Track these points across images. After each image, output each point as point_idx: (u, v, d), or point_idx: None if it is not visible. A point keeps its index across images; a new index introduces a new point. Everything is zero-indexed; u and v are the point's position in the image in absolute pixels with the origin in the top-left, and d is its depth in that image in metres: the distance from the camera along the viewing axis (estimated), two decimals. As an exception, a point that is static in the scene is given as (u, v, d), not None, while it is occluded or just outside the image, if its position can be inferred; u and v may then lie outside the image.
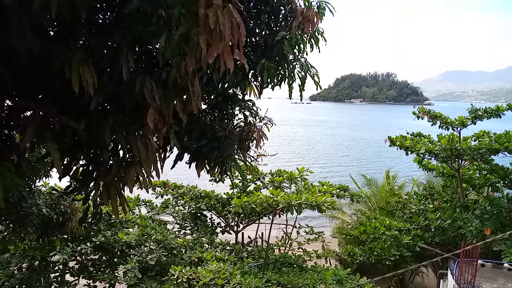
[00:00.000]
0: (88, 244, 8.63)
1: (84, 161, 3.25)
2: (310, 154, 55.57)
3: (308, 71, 4.75)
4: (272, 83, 4.41)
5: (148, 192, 11.10)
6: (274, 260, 8.40)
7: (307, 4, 4.38)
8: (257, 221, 11.13)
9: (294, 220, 10.60)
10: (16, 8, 2.27)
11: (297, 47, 4.49)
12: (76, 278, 9.12)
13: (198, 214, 11.24)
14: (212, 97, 4.21)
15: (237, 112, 4.56)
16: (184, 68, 2.87)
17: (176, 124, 3.42)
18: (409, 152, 11.21)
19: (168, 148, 3.94)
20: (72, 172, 3.20)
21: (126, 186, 3.06)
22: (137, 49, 3.32)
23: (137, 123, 2.99)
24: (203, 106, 4.25)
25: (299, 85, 4.71)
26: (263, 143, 4.43)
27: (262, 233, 11.72)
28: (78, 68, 2.46)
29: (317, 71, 4.87)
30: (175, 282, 6.96)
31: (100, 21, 3.09)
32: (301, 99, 5.09)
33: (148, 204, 11.53)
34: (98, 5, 2.91)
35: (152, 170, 3.24)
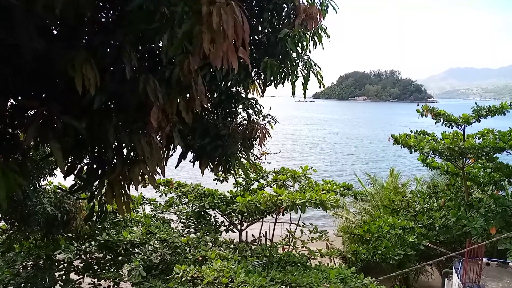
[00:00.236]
0: (93, 242, 8.65)
1: (89, 160, 3.26)
2: (314, 153, 55.50)
3: (312, 69, 4.73)
4: (275, 81, 4.40)
5: (156, 188, 11.18)
6: (278, 259, 8.39)
7: (310, 1, 4.36)
8: (261, 220, 11.12)
9: (298, 218, 10.59)
10: (22, 7, 2.27)
11: (300, 45, 4.47)
12: (80, 276, 9.15)
13: (202, 213, 11.24)
14: (215, 95, 4.20)
15: (240, 110, 4.55)
16: (187, 67, 2.86)
17: (180, 123, 3.42)
18: (413, 151, 11.16)
19: (172, 147, 3.94)
20: (76, 171, 3.21)
21: (131, 184, 3.08)
22: (140, 47, 3.32)
23: (141, 121, 2.98)
24: (206, 105, 4.24)
25: (302, 83, 4.69)
26: (267, 141, 4.43)
27: (266, 232, 11.73)
28: (81, 68, 2.46)
29: (320, 69, 4.84)
30: (179, 281, 6.97)
31: (103, 20, 3.09)
32: (304, 97, 5.07)
33: (152, 202, 11.56)
34: (101, 4, 2.90)
35: (156, 168, 3.25)
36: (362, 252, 11.13)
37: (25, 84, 2.73)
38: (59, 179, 8.27)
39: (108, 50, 2.81)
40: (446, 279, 9.43)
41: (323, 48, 4.84)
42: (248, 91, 4.67)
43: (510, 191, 11.54)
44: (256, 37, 4.33)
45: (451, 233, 10.88)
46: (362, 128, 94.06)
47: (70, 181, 3.38)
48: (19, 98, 2.79)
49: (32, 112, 2.60)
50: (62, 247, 8.29)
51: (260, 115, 4.59)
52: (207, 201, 10.87)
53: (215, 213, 11.57)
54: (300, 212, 7.55)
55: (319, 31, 4.68)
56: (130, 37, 2.94)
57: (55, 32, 2.85)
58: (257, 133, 4.22)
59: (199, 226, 11.00)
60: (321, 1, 4.53)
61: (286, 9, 4.20)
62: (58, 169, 2.97)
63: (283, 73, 4.42)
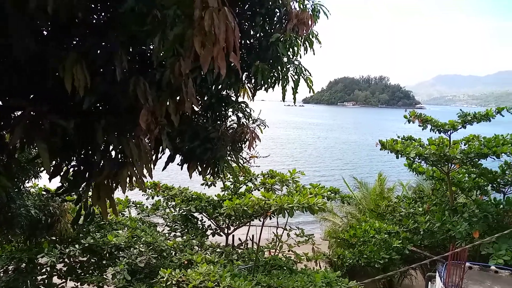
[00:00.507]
0: (77, 246, 8.53)
1: (76, 161, 3.22)
2: (303, 157, 55.71)
3: (302, 74, 4.77)
4: (266, 85, 4.41)
5: (144, 191, 11.06)
6: (264, 263, 8.38)
7: (302, 6, 4.40)
8: (248, 224, 11.11)
9: (286, 222, 10.61)
10: (14, 7, 2.25)
11: (291, 50, 4.50)
12: (63, 280, 9.01)
13: (189, 216, 11.18)
14: (205, 98, 4.20)
15: (230, 113, 4.56)
16: (178, 69, 2.86)
17: (169, 125, 3.41)
18: (400, 156, 11.30)
19: (160, 149, 3.92)
20: (62, 173, 3.17)
21: (118, 187, 3.05)
22: (131, 49, 3.31)
23: (130, 123, 2.97)
24: (196, 108, 4.23)
25: (292, 87, 4.73)
26: (256, 145, 4.43)
27: (253, 236, 11.72)
28: (72, 68, 2.44)
29: (310, 74, 4.89)
30: (164, 285, 6.91)
31: (94, 21, 3.08)
32: (294, 102, 5.11)
33: (138, 205, 11.44)
34: (93, 5, 2.89)
35: (144, 170, 3.22)
36: (348, 256, 11.21)
37: (14, 84, 2.69)
38: (45, 181, 8.15)
39: (99, 51, 2.79)
40: (429, 282, 9.54)
41: (314, 54, 4.87)
42: (238, 94, 4.68)
43: (493, 197, 11.74)
44: (247, 41, 4.34)
45: (436, 237, 11.03)
46: (350, 133, 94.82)
47: (56, 183, 3.34)
48: (7, 98, 2.75)
49: (19, 112, 2.56)
50: (45, 251, 8.15)
51: (250, 119, 4.60)
52: (194, 204, 10.82)
53: (202, 217, 11.52)
54: (288, 216, 7.57)
55: (311, 36, 4.72)
56: (122, 39, 2.93)
57: (45, 33, 2.82)
58: (247, 137, 4.23)
59: (186, 230, 10.93)
60: (313, 6, 4.57)
61: (278, 14, 4.22)
62: (44, 170, 2.92)
63: (274, 78, 4.44)
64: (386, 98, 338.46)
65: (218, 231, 11.29)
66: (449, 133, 11.25)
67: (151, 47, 3.20)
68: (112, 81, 2.82)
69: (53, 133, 2.71)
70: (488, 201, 11.30)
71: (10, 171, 3.10)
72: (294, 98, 4.93)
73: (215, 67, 2.57)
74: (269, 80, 4.25)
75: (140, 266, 8.28)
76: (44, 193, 7.96)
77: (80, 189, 3.20)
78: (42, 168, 6.38)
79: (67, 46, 2.82)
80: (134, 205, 11.36)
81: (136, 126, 2.86)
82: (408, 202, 12.90)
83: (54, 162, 3.11)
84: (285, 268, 8.37)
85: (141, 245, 8.77)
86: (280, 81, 4.43)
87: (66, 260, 8.81)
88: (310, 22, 4.20)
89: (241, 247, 11.07)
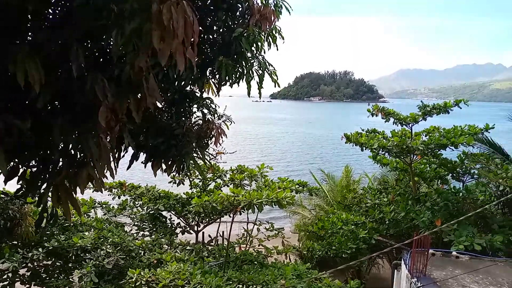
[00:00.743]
0: (40, 249, 8.22)
1: (34, 162, 3.10)
2: (272, 152, 56.17)
3: (266, 69, 4.79)
4: (230, 81, 4.39)
5: (102, 192, 10.76)
6: (235, 258, 8.41)
7: (264, 2, 4.40)
8: (218, 220, 11.08)
9: (258, 217, 10.66)
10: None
11: (255, 45, 4.50)
12: (27, 286, 8.66)
13: (157, 215, 11.01)
14: (169, 94, 4.13)
15: (195, 109, 4.51)
16: (138, 65, 2.79)
17: (131, 123, 3.33)
18: (364, 148, 11.59)
19: (123, 148, 3.83)
20: (20, 174, 3.04)
21: (83, 187, 2.96)
22: (89, 45, 3.20)
23: (89, 122, 2.88)
24: (160, 104, 4.16)
25: (257, 82, 4.73)
26: (222, 141, 4.42)
27: (223, 232, 11.71)
28: (23, 63, 2.34)
29: (275, 69, 4.91)
30: (133, 285, 6.79)
31: (49, 15, 2.95)
32: (259, 97, 5.13)
33: (104, 206, 11.15)
34: (47, -1, 2.77)
35: (106, 170, 3.14)
36: (317, 248, 11.42)
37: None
38: (2, 184, 7.77)
39: (54, 47, 2.69)
40: (395, 270, 9.85)
41: (277, 49, 4.90)
42: (203, 90, 4.64)
43: (453, 186, 12.27)
44: (210, 36, 4.30)
45: (401, 226, 11.42)
46: (317, 128, 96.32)
47: (16, 185, 3.20)
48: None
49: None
50: (6, 256, 7.80)
51: (216, 115, 4.57)
52: (162, 203, 10.66)
53: (170, 215, 11.38)
54: (258, 211, 7.62)
55: (274, 32, 4.74)
56: (78, 34, 2.83)
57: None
58: (212, 133, 4.20)
59: (154, 229, 10.77)
60: (275, 2, 4.59)
61: (240, 9, 4.20)
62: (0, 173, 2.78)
63: (238, 73, 4.43)
64: (351, 92, 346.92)
65: (188, 228, 11.19)
66: (410, 125, 11.64)
67: (111, 42, 3.11)
68: (69, 78, 2.72)
69: (8, 133, 2.59)
70: (449, 190, 11.79)
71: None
72: (260, 93, 4.94)
73: (180, 63, 2.54)
74: (233, 76, 4.23)
75: (107, 268, 8.10)
76: (3, 196, 7.61)
77: (40, 191, 3.08)
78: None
79: (19, 41, 2.69)
80: (100, 205, 11.07)
81: (96, 124, 2.78)
82: (373, 193, 13.26)
83: (11, 163, 2.98)
84: (255, 262, 8.43)
85: (108, 246, 8.57)
86: (245, 76, 4.42)
87: (29, 264, 8.47)
88: (272, 18, 4.21)
89: (212, 243, 11.04)
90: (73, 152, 2.89)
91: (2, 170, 2.68)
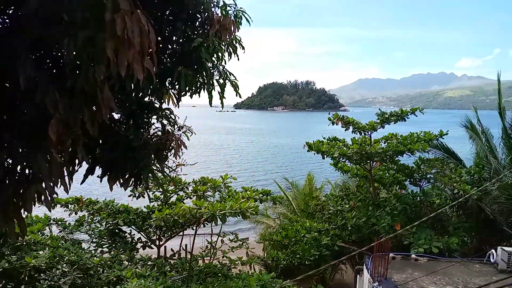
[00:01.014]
0: (-11, 272, 7.67)
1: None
2: (237, 162, 56.10)
3: (228, 79, 4.76)
4: (191, 91, 4.33)
5: (50, 211, 10.25)
6: (199, 271, 8.24)
7: (224, 12, 4.39)
8: (181, 233, 10.83)
9: (220, 228, 10.52)
10: None
11: (215, 55, 4.48)
12: (-25, 311, 8.05)
13: (116, 230, 10.61)
14: (126, 105, 4.00)
15: (154, 121, 4.39)
16: (92, 75, 2.68)
17: (86, 136, 3.19)
18: (325, 156, 11.80)
19: (77, 162, 3.66)
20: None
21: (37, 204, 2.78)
22: (40, 55, 3.05)
23: (39, 136, 2.72)
24: (116, 116, 4.03)
25: (219, 92, 4.70)
26: (182, 153, 4.33)
27: (186, 245, 11.47)
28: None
29: (236, 79, 4.90)
30: (92, 305, 6.48)
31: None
32: (222, 107, 5.10)
33: (60, 222, 10.61)
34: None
35: (59, 185, 2.98)
36: (282, 257, 11.42)
37: None
38: None
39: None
40: (358, 275, 10.05)
41: (238, 59, 4.90)
42: (162, 101, 4.53)
43: (410, 190, 12.72)
44: (169, 46, 4.23)
45: (362, 232, 11.67)
46: (281, 137, 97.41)
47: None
48: None
49: None
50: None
51: (176, 126, 4.47)
52: (122, 217, 10.28)
53: (131, 230, 10.99)
54: (227, 221, 7.51)
55: (234, 42, 4.74)
56: (27, 43, 2.68)
57: None
58: (172, 144, 4.10)
59: (113, 245, 10.36)
60: (235, 13, 4.59)
61: (200, 19, 4.16)
62: None
63: (199, 83, 4.37)
64: (313, 102, 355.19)
65: (149, 243, 10.84)
66: (369, 133, 12.00)
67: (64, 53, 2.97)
68: (17, 89, 2.57)
69: None
70: (407, 194, 12.23)
71: None
72: (222, 103, 4.91)
73: (139, 73, 2.46)
74: (193, 86, 4.16)
75: (63, 288, 7.67)
76: None
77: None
78: None
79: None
80: (55, 222, 10.52)
81: (46, 138, 2.63)
82: (335, 200, 13.50)
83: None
84: (220, 274, 8.30)
85: (65, 265, 8.13)
86: (206, 86, 4.37)
87: (-24, 289, 7.88)
88: (232, 28, 4.20)
89: (174, 257, 10.75)
90: (19, 169, 2.71)
91: None
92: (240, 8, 4.50)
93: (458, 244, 9.89)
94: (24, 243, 8.81)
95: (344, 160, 11.89)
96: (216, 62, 4.59)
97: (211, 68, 4.48)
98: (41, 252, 8.66)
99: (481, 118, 13.64)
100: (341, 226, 12.00)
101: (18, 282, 8.28)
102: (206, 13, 4.06)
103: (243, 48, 4.88)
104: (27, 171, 2.71)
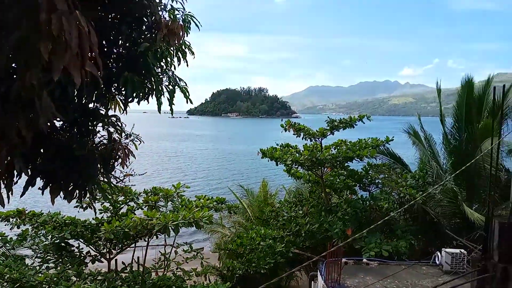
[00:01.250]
0: None
1: None
2: (191, 170, 55.27)
3: (177, 85, 4.66)
4: (138, 97, 4.17)
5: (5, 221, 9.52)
6: (152, 284, 7.97)
7: (172, 17, 4.30)
8: (133, 245, 10.42)
9: (173, 239, 10.23)
10: None
11: (164, 60, 4.36)
12: None
13: (63, 244, 10.00)
14: (68, 112, 3.77)
15: (100, 128, 4.18)
16: (29, 80, 2.50)
17: (23, 145, 2.96)
18: (278, 163, 11.91)
19: (16, 173, 3.39)
20: None
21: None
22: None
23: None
24: (59, 123, 3.79)
25: (168, 99, 4.58)
26: (130, 162, 4.15)
27: (138, 257, 11.05)
28: None
29: (186, 85, 4.80)
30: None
31: None
32: (171, 114, 4.98)
33: (0, 237, 9.86)
34: None
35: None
36: (237, 266, 11.30)
37: None
38: None
39: None
40: (312, 281, 10.16)
41: (187, 65, 4.82)
42: (109, 107, 4.33)
43: (360, 195, 13.12)
44: (115, 50, 4.05)
45: (316, 238, 11.84)
46: (236, 143, 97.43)
47: None
48: None
49: None
50: None
51: (123, 134, 4.29)
52: (69, 230, 9.71)
53: (79, 243, 10.41)
54: (184, 232, 7.30)
55: (183, 47, 4.65)
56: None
57: None
58: (119, 153, 3.91)
59: (60, 260, 9.76)
60: (183, 17, 4.51)
61: (146, 23, 4.03)
62: None
63: (147, 89, 4.23)
64: (266, 108, 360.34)
65: (99, 257, 10.31)
66: (320, 139, 12.28)
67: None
68: None
69: None
70: (357, 199, 12.60)
71: None
72: (171, 110, 4.80)
73: (77, 76, 2.31)
74: (140, 92, 4.01)
75: (3, 309, 7.11)
76: None
77: None
78: None
79: None
80: (-7, 238, 9.75)
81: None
82: (289, 206, 13.63)
83: None
84: (174, 287, 8.06)
85: (5, 284, 7.55)
86: (154, 92, 4.23)
87: None
88: (181, 33, 4.11)
89: (126, 271, 10.30)
90: None
91: None
92: (189, 12, 4.43)
93: (406, 247, 10.30)
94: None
95: (296, 166, 12.05)
96: (164, 67, 4.48)
97: (159, 74, 4.36)
98: (-21, 271, 7.98)
99: (424, 125, 14.47)
100: (295, 232, 12.11)
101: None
102: (153, 17, 3.94)
103: (193, 53, 4.81)
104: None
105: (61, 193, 3.64)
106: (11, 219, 10.09)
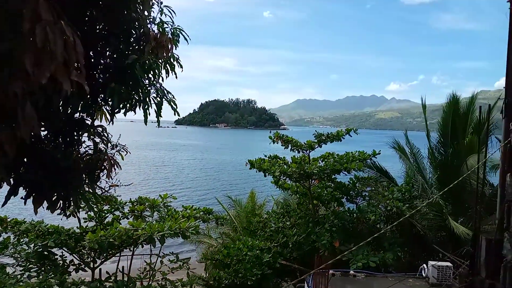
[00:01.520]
0: None
1: None
2: (179, 180, 54.91)
3: (165, 97, 4.66)
4: (125, 108, 4.16)
5: None
6: (136, 296, 7.83)
7: (160, 30, 4.32)
8: (118, 254, 10.26)
9: (159, 248, 10.11)
10: None
11: (152, 72, 4.37)
12: None
13: (46, 253, 9.81)
14: (53, 123, 3.74)
15: (85, 139, 4.15)
16: (12, 90, 2.48)
17: (5, 158, 2.92)
18: (267, 174, 11.92)
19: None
20: None
21: None
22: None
23: None
24: (42, 133, 3.75)
25: (155, 110, 4.58)
26: (116, 173, 4.12)
27: (123, 267, 10.88)
28: None
29: (174, 97, 4.81)
30: None
31: None
32: (158, 125, 4.97)
33: (-19, 246, 9.62)
34: None
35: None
36: (224, 276, 11.20)
37: None
38: None
39: None
40: (299, 293, 10.12)
41: (176, 77, 4.84)
42: (95, 118, 4.31)
43: (347, 207, 13.16)
44: (102, 61, 4.05)
45: (303, 249, 11.80)
46: (224, 154, 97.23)
47: None
48: None
49: None
50: None
51: (109, 144, 4.26)
52: (52, 238, 9.54)
53: (62, 252, 10.22)
54: (171, 243, 7.24)
55: (172, 60, 4.67)
56: None
57: None
58: (104, 164, 3.88)
59: (43, 268, 9.56)
60: (172, 30, 4.54)
61: (135, 35, 4.05)
62: None
63: (134, 100, 4.23)
64: (254, 120, 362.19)
65: (83, 266, 10.13)
66: (308, 151, 12.34)
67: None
68: None
69: None
70: (344, 211, 12.64)
71: None
72: (158, 121, 4.80)
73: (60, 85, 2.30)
74: (127, 103, 4.00)
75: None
76: None
77: None
78: None
79: None
80: (-26, 246, 9.51)
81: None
82: (277, 217, 13.61)
83: None
84: (158, 298, 7.94)
85: (-15, 293, 7.36)
86: (141, 103, 4.23)
87: None
88: (170, 46, 4.13)
89: (110, 280, 10.12)
90: None
91: None
92: (178, 26, 4.46)
93: (393, 259, 10.34)
94: None
95: (284, 178, 12.07)
96: (152, 79, 4.49)
97: (147, 86, 4.36)
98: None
99: (411, 139, 14.69)
100: (282, 243, 12.07)
101: None
102: (142, 29, 3.96)
103: (181, 66, 4.84)
104: None
105: (45, 202, 3.59)
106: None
